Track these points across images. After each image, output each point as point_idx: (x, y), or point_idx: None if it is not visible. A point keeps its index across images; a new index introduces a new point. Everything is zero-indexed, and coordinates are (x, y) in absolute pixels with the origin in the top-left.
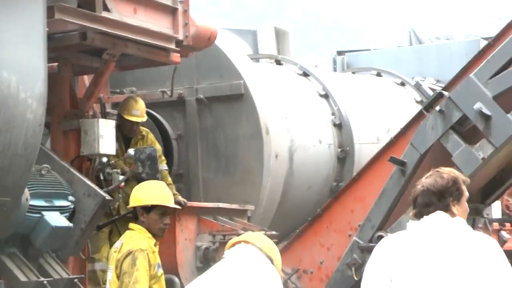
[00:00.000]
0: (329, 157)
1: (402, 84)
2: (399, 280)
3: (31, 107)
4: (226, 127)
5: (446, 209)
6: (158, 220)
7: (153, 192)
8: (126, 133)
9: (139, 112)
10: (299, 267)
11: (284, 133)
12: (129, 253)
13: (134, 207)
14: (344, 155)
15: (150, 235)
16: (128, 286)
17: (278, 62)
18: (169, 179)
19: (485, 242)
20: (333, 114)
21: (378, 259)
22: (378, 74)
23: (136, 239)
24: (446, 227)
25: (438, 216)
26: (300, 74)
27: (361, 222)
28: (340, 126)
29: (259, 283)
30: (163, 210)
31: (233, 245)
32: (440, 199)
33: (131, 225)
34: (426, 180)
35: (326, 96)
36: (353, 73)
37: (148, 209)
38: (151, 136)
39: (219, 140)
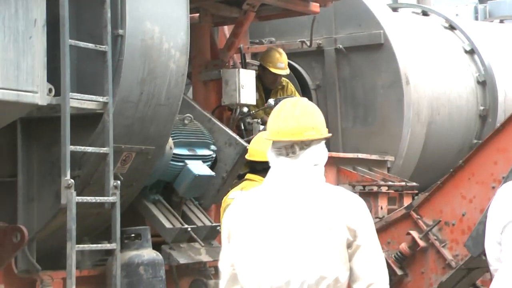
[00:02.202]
0: (471, 110)
1: None
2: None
3: (174, 57)
4: (365, 77)
5: None
6: None
7: None
8: (268, 85)
9: (283, 65)
10: (440, 219)
11: (424, 83)
12: None
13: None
14: (485, 113)
15: None
16: None
17: (424, 13)
18: None
19: None
20: (477, 71)
21: (497, 203)
22: None
23: None
24: None
25: None
26: (446, 27)
27: (505, 174)
28: (484, 83)
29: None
30: None
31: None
32: None
33: (252, 176)
34: None
35: (471, 52)
36: (501, 21)
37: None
38: (291, 86)
39: (358, 90)
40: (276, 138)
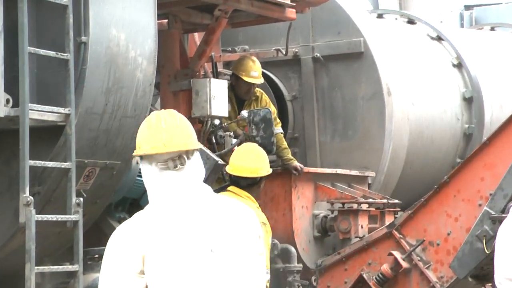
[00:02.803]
0: (454, 125)
1: None
2: None
3: (141, 66)
4: (345, 88)
5: None
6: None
7: (266, 161)
8: (241, 95)
9: (257, 74)
10: (424, 239)
11: (407, 94)
12: None
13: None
14: (471, 131)
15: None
16: None
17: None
18: (284, 143)
19: None
20: (465, 86)
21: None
22: None
23: (254, 209)
24: None
25: None
26: (433, 38)
27: (492, 191)
28: (471, 100)
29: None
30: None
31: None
32: None
33: (236, 189)
34: None
35: (459, 65)
36: (492, 29)
37: (260, 179)
38: (265, 97)
39: (337, 102)
40: (166, 150)
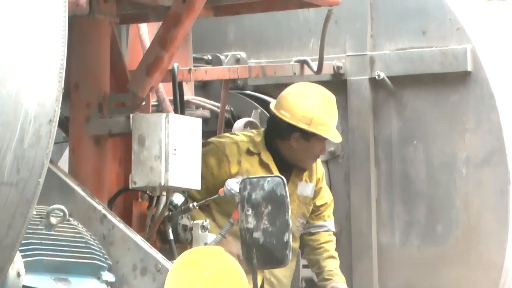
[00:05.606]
0: None
1: None
2: None
3: (33, 85)
4: (432, 140)
5: None
6: None
7: None
8: (293, 158)
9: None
10: None
11: None
12: None
13: None
14: None
15: None
16: None
17: None
18: (332, 248)
19: None
20: None
21: None
22: None
23: None
24: None
25: None
26: None
27: None
28: None
29: None
30: None
31: None
32: None
33: None
34: None
35: None
36: None
37: None
38: (320, 168)
39: (417, 167)
40: None
